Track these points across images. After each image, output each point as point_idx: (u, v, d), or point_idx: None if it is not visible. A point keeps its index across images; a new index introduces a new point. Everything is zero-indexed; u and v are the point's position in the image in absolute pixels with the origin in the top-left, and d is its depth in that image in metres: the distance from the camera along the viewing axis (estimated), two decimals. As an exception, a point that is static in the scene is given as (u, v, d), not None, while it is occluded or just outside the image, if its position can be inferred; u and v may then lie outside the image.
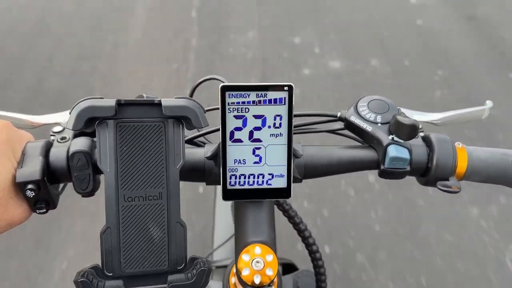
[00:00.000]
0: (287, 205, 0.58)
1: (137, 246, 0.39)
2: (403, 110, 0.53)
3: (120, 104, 0.38)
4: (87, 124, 0.37)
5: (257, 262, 0.43)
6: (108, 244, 0.38)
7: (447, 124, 0.57)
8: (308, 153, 0.48)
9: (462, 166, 0.47)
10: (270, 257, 0.44)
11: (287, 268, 0.90)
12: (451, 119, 0.57)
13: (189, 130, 0.41)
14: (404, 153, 0.46)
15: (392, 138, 0.47)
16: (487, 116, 0.58)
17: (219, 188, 0.45)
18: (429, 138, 0.48)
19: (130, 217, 0.39)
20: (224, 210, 1.08)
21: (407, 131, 0.45)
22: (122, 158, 0.38)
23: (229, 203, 1.00)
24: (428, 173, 0.47)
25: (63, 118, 0.53)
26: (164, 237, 0.39)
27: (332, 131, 0.57)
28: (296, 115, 0.55)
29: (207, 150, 0.47)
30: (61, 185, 0.46)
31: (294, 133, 0.56)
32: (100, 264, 0.39)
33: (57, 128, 0.47)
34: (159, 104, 0.39)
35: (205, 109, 0.53)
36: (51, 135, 0.46)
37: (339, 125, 0.56)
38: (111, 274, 0.39)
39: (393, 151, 0.46)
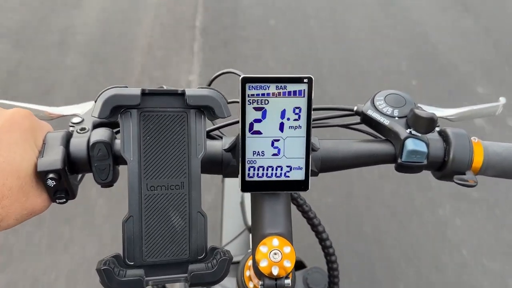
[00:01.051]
0: (301, 199, 0.59)
1: (159, 235, 0.39)
2: (419, 104, 0.53)
3: (144, 93, 0.38)
4: (112, 113, 0.38)
5: (275, 253, 0.44)
6: (130, 233, 0.39)
7: (462, 119, 0.57)
8: (325, 147, 0.49)
9: (478, 160, 0.47)
10: (288, 249, 0.44)
11: (296, 265, 0.90)
12: (465, 115, 0.57)
13: (211, 120, 0.41)
14: (422, 147, 0.46)
15: (410, 131, 0.47)
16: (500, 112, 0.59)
17: (227, 185, 0.46)
18: (446, 132, 0.48)
19: (152, 206, 0.39)
20: (233, 207, 1.08)
21: (425, 124, 0.45)
22: (145, 147, 0.39)
23: (237, 200, 1.01)
24: (444, 167, 0.47)
25: (81, 110, 0.53)
26: (185, 226, 0.40)
27: (348, 126, 0.57)
28: (316, 109, 0.55)
29: (225, 142, 0.47)
30: (80, 175, 0.46)
31: (316, 127, 0.56)
32: (121, 253, 0.39)
33: (76, 119, 0.47)
34: (182, 94, 0.39)
35: (229, 101, 0.53)
36: (70, 126, 0.47)
37: (351, 120, 0.56)
38: (132, 263, 0.39)
39: (411, 145, 0.46)
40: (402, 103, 0.50)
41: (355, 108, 0.53)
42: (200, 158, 0.40)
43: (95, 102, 0.38)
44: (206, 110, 0.40)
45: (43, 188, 0.40)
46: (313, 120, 0.56)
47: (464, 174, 0.47)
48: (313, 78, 0.42)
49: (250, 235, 0.94)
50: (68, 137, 0.43)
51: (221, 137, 0.52)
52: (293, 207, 0.60)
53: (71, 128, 0.46)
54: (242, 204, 0.93)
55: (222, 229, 1.04)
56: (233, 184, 1.04)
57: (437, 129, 0.50)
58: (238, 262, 0.62)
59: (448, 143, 0.47)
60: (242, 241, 0.95)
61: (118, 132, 0.49)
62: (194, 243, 0.40)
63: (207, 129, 0.54)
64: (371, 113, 0.50)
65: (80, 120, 0.47)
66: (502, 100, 0.59)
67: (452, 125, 0.52)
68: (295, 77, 0.42)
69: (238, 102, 0.43)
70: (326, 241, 0.60)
